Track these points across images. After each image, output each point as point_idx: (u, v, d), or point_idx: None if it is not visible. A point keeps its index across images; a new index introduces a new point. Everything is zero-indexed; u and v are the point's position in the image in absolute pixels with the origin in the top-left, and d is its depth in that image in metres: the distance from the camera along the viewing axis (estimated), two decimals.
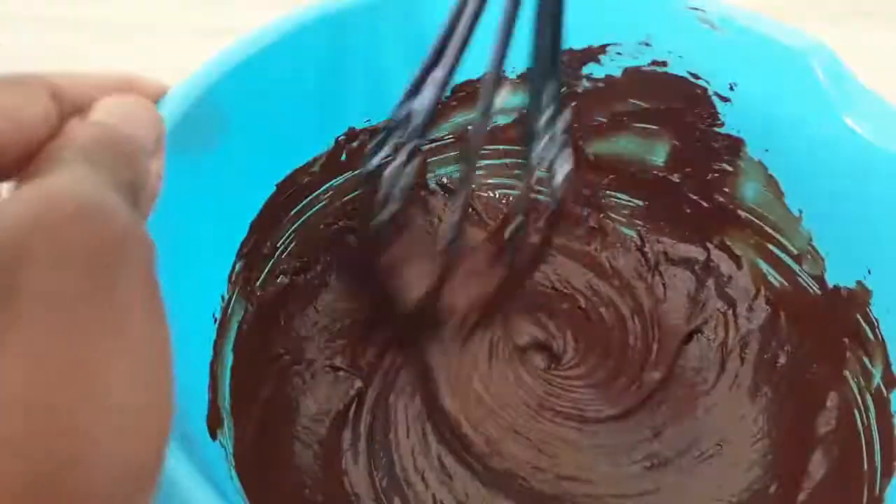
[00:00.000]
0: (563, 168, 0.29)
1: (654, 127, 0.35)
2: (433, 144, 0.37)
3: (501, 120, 0.37)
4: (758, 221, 0.34)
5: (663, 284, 0.37)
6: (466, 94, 0.35)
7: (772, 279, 0.34)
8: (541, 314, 0.35)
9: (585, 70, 0.34)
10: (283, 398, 0.32)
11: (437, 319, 0.31)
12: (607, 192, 0.38)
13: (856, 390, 0.29)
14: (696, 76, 0.32)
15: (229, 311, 0.30)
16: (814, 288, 0.32)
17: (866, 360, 0.29)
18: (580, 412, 0.32)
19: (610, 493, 0.30)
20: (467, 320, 0.32)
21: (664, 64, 0.33)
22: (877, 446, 0.27)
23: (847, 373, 0.30)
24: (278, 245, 0.33)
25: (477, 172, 0.38)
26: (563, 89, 0.28)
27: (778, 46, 0.29)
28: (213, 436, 0.26)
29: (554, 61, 0.27)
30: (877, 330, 0.28)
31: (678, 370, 0.34)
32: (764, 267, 0.34)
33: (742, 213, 0.34)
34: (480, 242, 0.33)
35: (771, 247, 0.33)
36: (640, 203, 0.38)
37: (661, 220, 0.37)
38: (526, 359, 0.34)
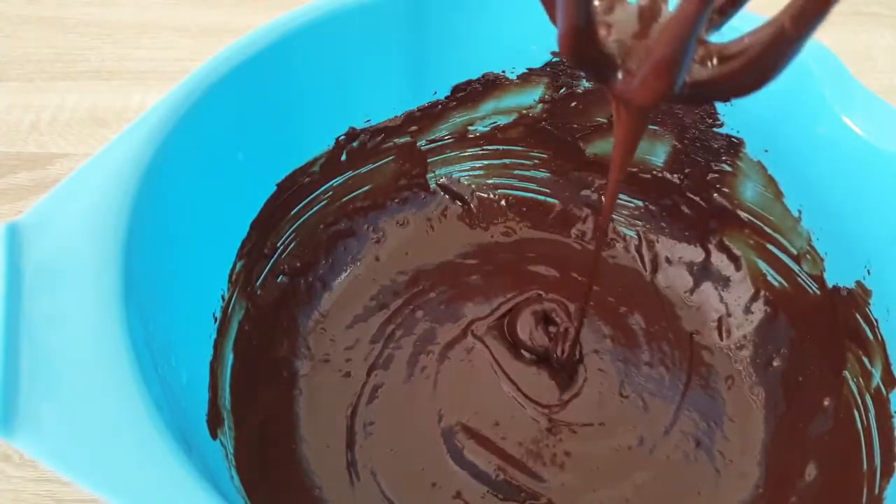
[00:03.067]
0: None
1: (653, 127, 0.35)
2: (433, 145, 0.37)
3: (501, 120, 0.37)
4: (757, 221, 0.34)
5: (662, 284, 0.37)
6: (466, 93, 0.35)
7: (771, 279, 0.34)
8: (540, 315, 0.35)
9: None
10: (283, 397, 0.32)
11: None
12: None
13: (855, 390, 0.29)
14: None
15: (230, 310, 0.30)
16: (813, 288, 0.32)
17: (865, 360, 0.29)
18: (571, 412, 0.32)
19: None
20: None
21: None
22: (876, 446, 0.27)
23: (846, 373, 0.30)
24: (278, 245, 0.33)
25: (477, 172, 0.39)
26: None
27: None
28: (214, 435, 0.26)
29: None
30: (876, 330, 0.28)
31: (677, 370, 0.34)
32: (763, 267, 0.34)
33: (741, 214, 0.34)
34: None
35: (770, 247, 0.33)
36: (640, 203, 0.38)
37: (660, 220, 0.37)
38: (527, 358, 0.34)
